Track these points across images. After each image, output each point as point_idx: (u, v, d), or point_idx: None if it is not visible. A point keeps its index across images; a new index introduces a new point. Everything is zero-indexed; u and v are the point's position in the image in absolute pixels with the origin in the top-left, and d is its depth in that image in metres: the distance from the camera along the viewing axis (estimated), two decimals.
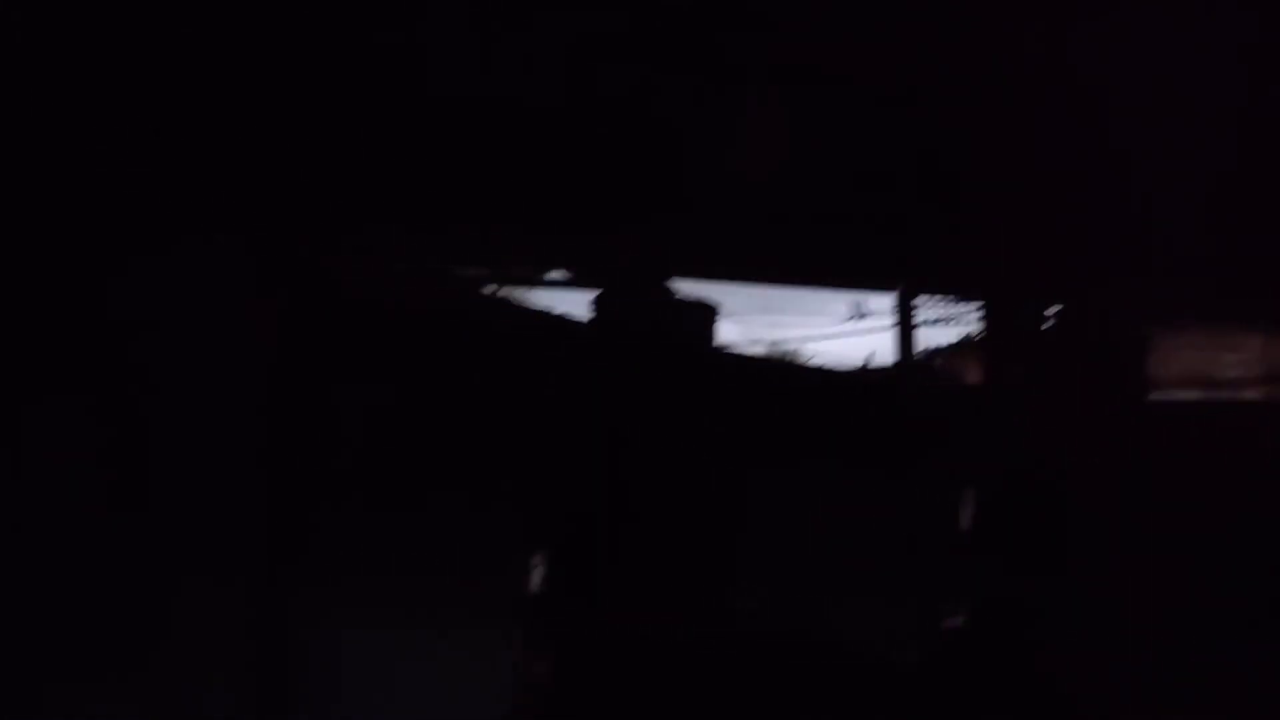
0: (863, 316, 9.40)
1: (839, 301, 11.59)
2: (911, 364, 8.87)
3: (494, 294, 8.50)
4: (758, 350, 9.23)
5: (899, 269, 8.06)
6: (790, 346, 9.89)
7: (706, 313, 8.14)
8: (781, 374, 8.63)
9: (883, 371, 9.31)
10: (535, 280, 8.75)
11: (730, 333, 8.76)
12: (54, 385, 5.85)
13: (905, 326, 7.92)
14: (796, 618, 7.32)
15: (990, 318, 8.44)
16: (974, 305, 9.11)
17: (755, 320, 9.10)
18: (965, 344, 10.36)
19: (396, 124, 6.31)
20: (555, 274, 8.65)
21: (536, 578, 7.24)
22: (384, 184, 6.57)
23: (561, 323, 7.66)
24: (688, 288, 8.08)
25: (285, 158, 6.26)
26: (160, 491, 6.09)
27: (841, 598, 7.22)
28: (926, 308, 9.70)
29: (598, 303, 7.86)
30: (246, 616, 6.06)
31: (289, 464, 6.18)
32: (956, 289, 8.89)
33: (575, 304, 8.11)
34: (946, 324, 10.42)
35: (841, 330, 9.38)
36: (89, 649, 5.85)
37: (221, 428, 6.13)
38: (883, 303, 9.32)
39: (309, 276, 6.36)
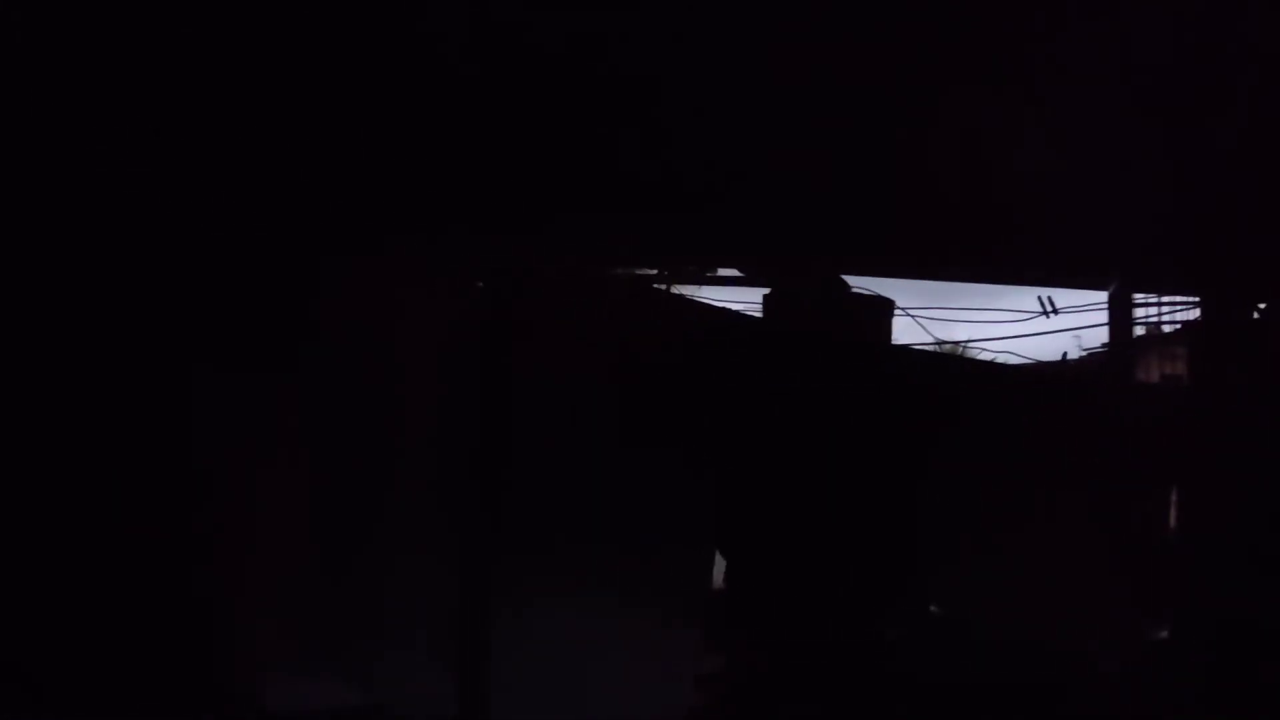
0: (1051, 313, 9.06)
1: (1018, 297, 11.23)
2: (1107, 361, 8.52)
3: (674, 291, 8.54)
4: (940, 347, 8.96)
5: (1100, 264, 7.79)
6: (975, 342, 9.58)
7: (883, 308, 7.96)
8: (967, 371, 8.37)
9: (1076, 368, 8.96)
10: (713, 277, 8.73)
11: (908, 330, 8.57)
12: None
13: (1117, 323, 7.68)
14: (986, 623, 7.04)
15: (1201, 314, 8.07)
16: (1176, 301, 8.75)
17: (934, 316, 8.81)
18: (1163, 340, 9.91)
19: (583, 127, 6.55)
20: (731, 271, 8.60)
21: (718, 577, 7.23)
22: (570, 182, 6.78)
23: (742, 320, 7.61)
24: (864, 284, 7.98)
25: (482, 167, 6.60)
26: (369, 481, 6.65)
27: (1032, 602, 6.93)
28: (1126, 304, 9.32)
29: (775, 299, 7.75)
30: (451, 605, 6.37)
31: (491, 460, 6.40)
32: (1159, 284, 8.55)
33: (752, 301, 8.08)
34: (1142, 321, 10.01)
35: (1028, 328, 9.05)
36: (312, 630, 6.41)
37: (432, 419, 6.68)
38: (1069, 298, 9.00)
39: (505, 271, 6.64)
